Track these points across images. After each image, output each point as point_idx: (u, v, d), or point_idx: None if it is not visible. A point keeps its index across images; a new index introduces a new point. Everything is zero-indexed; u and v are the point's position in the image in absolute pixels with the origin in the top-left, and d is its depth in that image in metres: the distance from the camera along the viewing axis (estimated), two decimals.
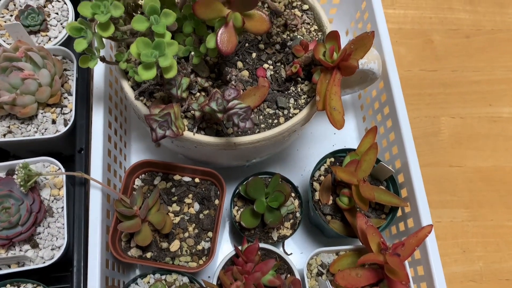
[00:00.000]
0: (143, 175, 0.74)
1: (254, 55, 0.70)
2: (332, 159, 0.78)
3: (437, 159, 0.92)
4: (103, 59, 0.61)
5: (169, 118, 0.53)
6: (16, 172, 0.59)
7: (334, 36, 0.62)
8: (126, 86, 0.66)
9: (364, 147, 0.73)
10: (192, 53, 0.62)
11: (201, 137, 0.64)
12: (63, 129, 0.69)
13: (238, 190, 0.75)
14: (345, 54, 0.61)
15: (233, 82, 0.63)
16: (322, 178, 0.76)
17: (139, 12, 0.64)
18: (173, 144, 0.68)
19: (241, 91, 0.64)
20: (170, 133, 0.53)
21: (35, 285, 0.63)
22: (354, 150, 0.75)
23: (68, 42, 0.77)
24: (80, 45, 0.56)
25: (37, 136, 0.69)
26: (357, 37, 0.64)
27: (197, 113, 0.63)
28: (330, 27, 0.74)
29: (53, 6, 0.79)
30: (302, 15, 0.75)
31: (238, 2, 0.54)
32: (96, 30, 0.55)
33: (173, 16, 0.55)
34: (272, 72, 0.70)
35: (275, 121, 0.67)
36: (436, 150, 0.93)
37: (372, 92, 0.85)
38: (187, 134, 0.63)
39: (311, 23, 0.75)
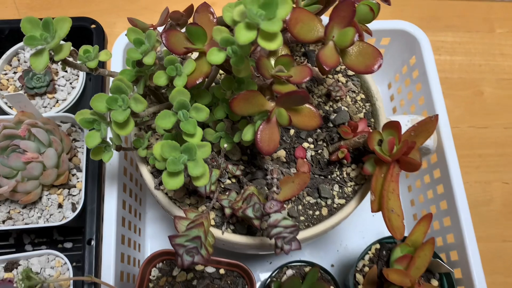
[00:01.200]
0: (160, 264, 0.65)
1: (292, 131, 0.61)
2: (378, 246, 0.68)
3: (489, 232, 0.82)
4: (119, 148, 0.52)
5: (198, 241, 0.44)
6: (15, 284, 0.50)
7: (394, 126, 0.53)
8: (145, 172, 0.57)
9: (417, 237, 0.64)
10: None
11: (231, 237, 0.55)
12: (70, 215, 0.61)
13: (268, 283, 0.65)
14: (406, 148, 0.52)
15: (275, 178, 0.53)
16: (366, 269, 0.67)
17: (163, 90, 0.55)
18: None
19: (283, 203, 0.55)
20: (199, 259, 0.44)
21: None
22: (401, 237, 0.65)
23: (78, 105, 0.68)
24: (92, 139, 0.47)
25: (41, 223, 0.60)
26: (419, 123, 0.55)
27: (227, 211, 0.54)
28: (380, 97, 0.64)
29: (59, 64, 0.70)
30: (346, 81, 0.66)
31: (286, 100, 0.45)
32: (112, 127, 0.45)
33: (205, 112, 0.45)
34: (313, 153, 0.61)
35: (317, 212, 0.58)
36: (487, 222, 0.83)
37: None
38: (215, 232, 0.54)
39: (357, 91, 0.65)
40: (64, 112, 0.67)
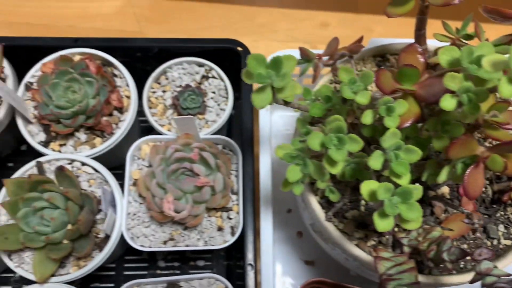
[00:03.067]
0: None
1: None
2: None
3: None
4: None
5: None
6: None
7: None
8: (315, 203, 0.57)
9: None
10: None
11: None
12: (230, 239, 0.61)
13: None
14: None
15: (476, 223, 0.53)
16: None
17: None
18: (348, 261, 0.59)
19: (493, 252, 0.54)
20: None
21: None
22: None
23: (227, 127, 0.69)
24: (293, 173, 0.48)
25: (200, 245, 0.61)
26: None
27: (406, 249, 0.54)
28: None
29: (209, 84, 0.72)
30: None
31: (504, 147, 0.44)
32: (325, 164, 0.46)
33: (417, 154, 0.45)
34: None
35: None
36: None
37: None
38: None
39: None
40: (213, 134, 0.68)
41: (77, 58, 0.69)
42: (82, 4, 0.97)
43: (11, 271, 0.73)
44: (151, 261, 0.76)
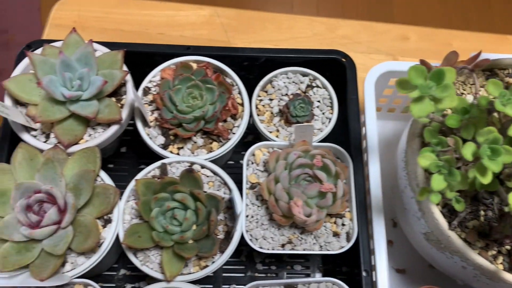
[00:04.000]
0: None
1: None
2: None
3: None
4: None
5: None
6: None
7: None
8: (437, 212, 0.58)
9: None
10: None
11: None
12: (346, 245, 0.63)
13: None
14: None
15: None
16: None
17: None
18: (465, 270, 0.60)
19: None
20: None
21: None
22: None
23: (332, 135, 0.71)
24: (438, 182, 0.49)
25: (317, 250, 0.63)
26: None
27: None
28: None
29: (314, 93, 0.74)
30: None
31: None
32: (476, 173, 0.47)
33: None
34: None
35: None
36: None
37: None
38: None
39: None
40: (319, 142, 0.70)
41: (193, 65, 0.72)
42: (169, 12, 1.00)
43: (114, 269, 0.76)
44: (249, 264, 0.78)
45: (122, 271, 0.76)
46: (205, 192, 0.65)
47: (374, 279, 0.64)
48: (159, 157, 0.69)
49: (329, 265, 0.77)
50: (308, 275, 0.78)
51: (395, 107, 0.88)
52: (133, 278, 0.77)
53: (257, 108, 0.74)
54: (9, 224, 0.58)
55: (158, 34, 0.98)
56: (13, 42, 1.94)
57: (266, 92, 0.75)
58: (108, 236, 0.61)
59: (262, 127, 0.72)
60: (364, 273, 0.63)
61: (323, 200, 0.61)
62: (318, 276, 0.77)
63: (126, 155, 0.84)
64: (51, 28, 0.97)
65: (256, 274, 0.78)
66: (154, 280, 0.63)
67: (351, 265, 0.70)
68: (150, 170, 0.67)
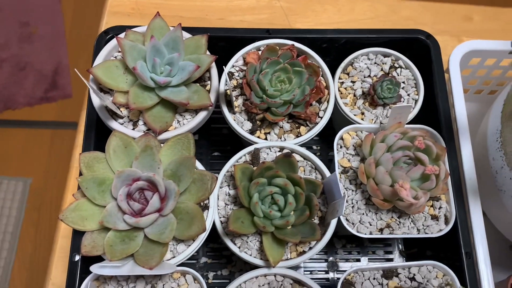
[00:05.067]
0: None
1: None
2: None
3: None
4: None
5: None
6: None
7: None
8: None
9: None
10: None
11: None
12: (445, 228, 0.62)
13: None
14: None
15: None
16: None
17: None
18: None
19: None
20: None
21: None
22: None
23: (419, 117, 0.70)
24: None
25: (415, 233, 0.62)
26: None
27: None
28: None
29: (398, 74, 0.72)
30: None
31: None
32: None
33: None
34: None
35: None
36: None
37: None
38: None
39: None
40: (407, 124, 0.68)
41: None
42: None
43: (195, 257, 0.76)
44: (329, 249, 0.77)
45: (203, 259, 0.76)
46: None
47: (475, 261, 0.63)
48: (231, 145, 0.68)
49: (413, 249, 0.76)
50: (390, 260, 0.77)
51: (469, 88, 0.86)
52: (214, 266, 0.76)
53: (339, 91, 0.72)
54: (112, 213, 0.57)
55: (218, 19, 0.96)
56: (36, 35, 1.93)
57: (347, 74, 0.74)
58: (206, 223, 0.60)
59: (347, 110, 0.70)
60: (465, 255, 0.62)
61: (427, 182, 0.59)
62: (400, 261, 0.76)
63: (198, 142, 0.83)
64: (109, 16, 0.96)
65: (337, 260, 0.77)
66: (246, 266, 0.62)
67: (439, 249, 0.69)
68: (241, 156, 0.66)
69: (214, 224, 0.62)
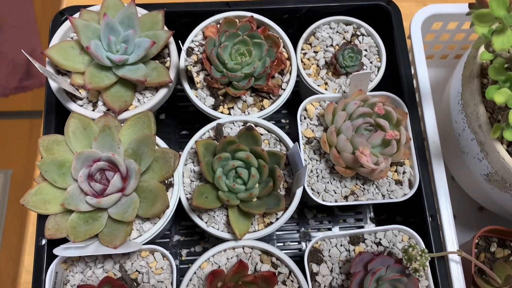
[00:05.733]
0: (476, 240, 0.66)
1: None
2: None
3: None
4: None
5: None
6: (404, 254, 0.53)
7: None
8: (503, 151, 0.58)
9: None
10: None
11: None
12: (409, 192, 0.63)
13: None
14: None
15: None
16: None
17: None
18: None
19: None
20: None
21: None
22: None
23: (381, 85, 0.70)
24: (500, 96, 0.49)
25: (380, 199, 0.63)
26: None
27: None
28: None
29: (360, 42, 0.72)
30: None
31: None
32: None
33: None
34: None
35: None
36: None
37: None
38: None
39: None
40: (370, 91, 0.69)
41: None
42: None
43: (167, 236, 0.76)
44: (301, 220, 0.78)
45: (176, 237, 0.76)
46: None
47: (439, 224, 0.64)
48: (199, 122, 0.68)
49: (382, 215, 0.77)
50: (361, 227, 0.78)
51: (434, 53, 0.86)
52: (187, 243, 0.77)
53: (302, 62, 0.72)
54: (74, 195, 0.57)
55: None
56: (6, 24, 1.89)
57: (310, 44, 0.73)
58: (171, 200, 0.60)
59: (310, 81, 0.70)
60: (429, 218, 0.63)
61: (388, 148, 0.60)
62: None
63: (165, 122, 0.83)
64: None
65: (309, 230, 0.78)
66: (219, 241, 0.62)
67: (407, 213, 0.70)
68: (204, 132, 0.65)
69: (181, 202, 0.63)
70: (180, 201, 0.63)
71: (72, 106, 0.64)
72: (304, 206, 0.79)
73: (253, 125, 0.61)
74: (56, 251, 0.54)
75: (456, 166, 0.73)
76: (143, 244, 0.60)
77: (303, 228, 0.78)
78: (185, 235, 0.77)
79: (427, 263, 0.54)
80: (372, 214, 0.78)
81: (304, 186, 0.62)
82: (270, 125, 0.65)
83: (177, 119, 0.83)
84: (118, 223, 0.57)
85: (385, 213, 0.76)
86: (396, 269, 0.57)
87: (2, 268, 1.55)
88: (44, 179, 0.58)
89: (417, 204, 0.64)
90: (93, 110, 0.65)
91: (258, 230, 0.62)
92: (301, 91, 0.79)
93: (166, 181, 0.62)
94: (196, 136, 0.65)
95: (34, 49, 1.88)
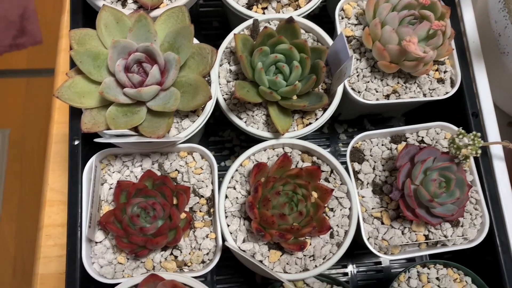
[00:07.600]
0: None
1: None
2: None
3: None
4: None
5: None
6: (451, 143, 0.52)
7: None
8: None
9: None
10: None
11: None
12: (451, 90, 0.61)
13: None
14: None
15: None
16: None
17: None
18: None
19: None
20: None
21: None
22: None
23: None
24: None
25: (421, 97, 0.61)
26: None
27: None
28: None
29: None
30: None
31: None
32: None
33: None
34: None
35: None
36: None
37: None
38: None
39: None
40: None
41: None
42: None
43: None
44: (331, 135, 0.77)
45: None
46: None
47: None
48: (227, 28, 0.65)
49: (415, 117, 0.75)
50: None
51: None
52: (218, 158, 0.74)
53: None
54: (111, 86, 0.54)
55: None
56: None
57: None
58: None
59: None
60: (472, 116, 0.62)
61: (433, 39, 0.58)
62: None
63: None
64: None
65: (340, 145, 0.77)
66: (259, 140, 0.60)
67: (448, 112, 0.68)
68: (239, 31, 0.63)
69: (215, 110, 0.60)
70: (214, 111, 0.60)
71: (100, 3, 0.61)
72: (334, 121, 0.77)
73: (293, 17, 0.58)
74: (97, 140, 0.52)
75: (490, 74, 0.72)
76: (182, 143, 0.58)
77: (333, 143, 0.76)
78: (215, 150, 0.75)
79: (479, 150, 0.53)
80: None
81: (344, 83, 0.60)
82: (310, 23, 0.63)
83: (199, 24, 0.80)
84: (158, 116, 0.55)
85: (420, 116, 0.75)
86: (444, 159, 0.55)
87: (4, 226, 1.52)
88: (77, 73, 0.55)
89: (459, 103, 0.63)
90: (123, 8, 0.62)
91: (298, 130, 0.60)
92: None
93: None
94: (231, 34, 0.62)
95: (27, 6, 1.81)
